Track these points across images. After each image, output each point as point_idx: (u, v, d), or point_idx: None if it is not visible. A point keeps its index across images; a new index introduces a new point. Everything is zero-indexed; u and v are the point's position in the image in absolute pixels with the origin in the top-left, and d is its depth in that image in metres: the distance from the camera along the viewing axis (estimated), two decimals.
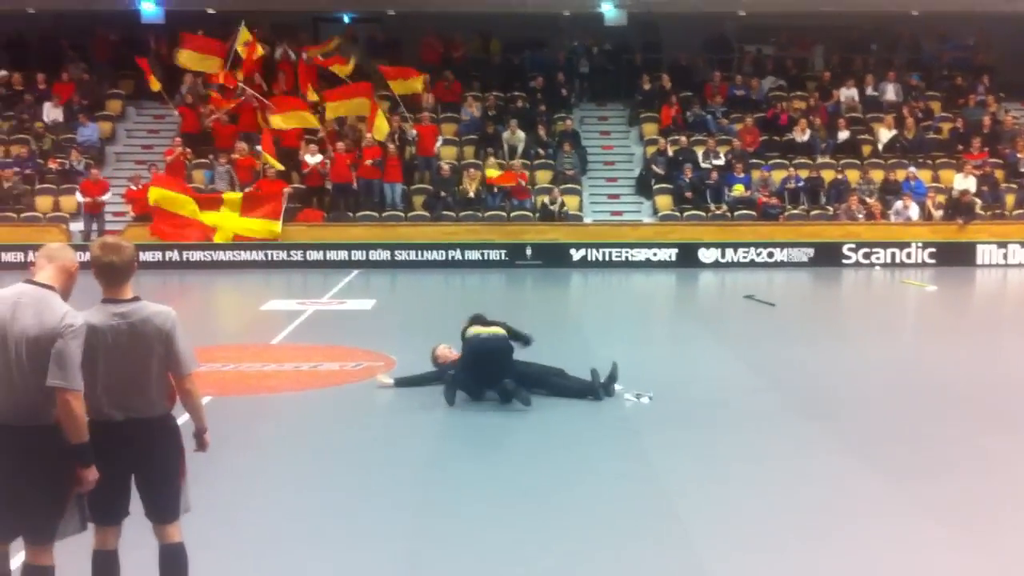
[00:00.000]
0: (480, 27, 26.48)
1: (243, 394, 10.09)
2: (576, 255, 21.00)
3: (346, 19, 27.26)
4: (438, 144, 23.28)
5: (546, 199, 21.97)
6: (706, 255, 21.12)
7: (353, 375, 10.94)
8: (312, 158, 22.02)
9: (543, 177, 23.19)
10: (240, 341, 13.20)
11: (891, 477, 7.47)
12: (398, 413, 9.45)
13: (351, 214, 21.86)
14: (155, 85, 22.57)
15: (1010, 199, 22.41)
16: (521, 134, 23.64)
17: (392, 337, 13.04)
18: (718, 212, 22.09)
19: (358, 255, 20.75)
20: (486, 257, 20.93)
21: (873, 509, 6.79)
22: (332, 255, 20.77)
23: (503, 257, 20.91)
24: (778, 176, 22.82)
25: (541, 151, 23.70)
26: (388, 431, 8.86)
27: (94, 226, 21.04)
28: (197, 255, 20.68)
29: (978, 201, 21.98)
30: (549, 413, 9.27)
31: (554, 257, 20.87)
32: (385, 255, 20.83)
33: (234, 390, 10.15)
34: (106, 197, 21.24)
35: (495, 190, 22.23)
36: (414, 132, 22.95)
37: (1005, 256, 21.10)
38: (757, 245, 21.11)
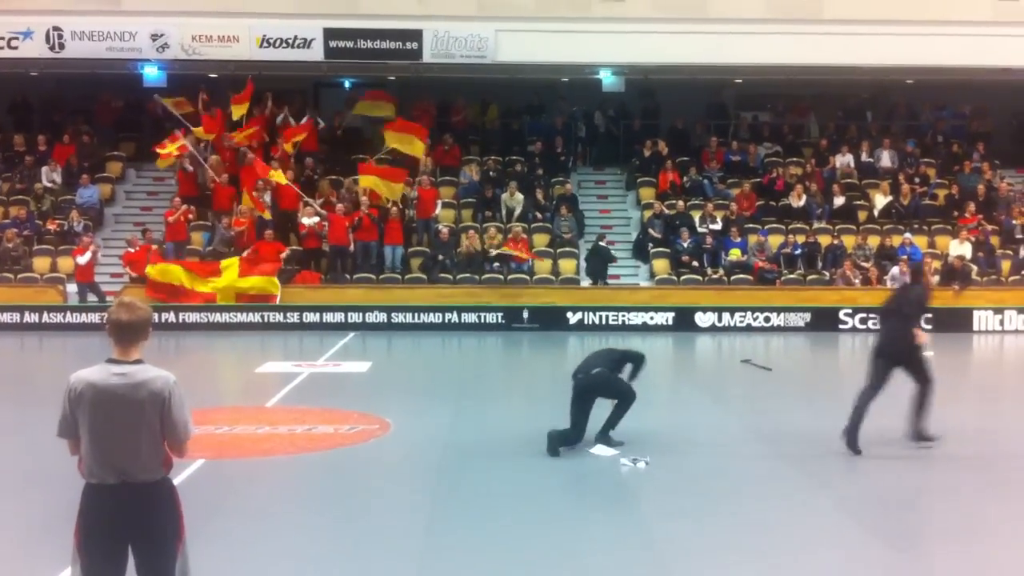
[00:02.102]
0: (479, 93, 26.78)
1: (237, 457, 10.04)
2: (573, 318, 20.98)
3: (347, 84, 27.56)
4: (437, 207, 23.43)
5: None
6: (703, 319, 21.11)
7: (347, 438, 10.89)
8: (309, 220, 22.14)
9: (540, 240, 23.28)
10: (235, 403, 13.16)
11: (895, 543, 7.42)
12: (392, 477, 9.40)
13: (348, 276, 21.90)
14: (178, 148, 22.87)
15: (1006, 265, 22.49)
16: (519, 197, 23.79)
17: (388, 400, 13.03)
18: (715, 276, 22.14)
19: (355, 317, 20.70)
20: (483, 320, 20.91)
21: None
22: (329, 317, 20.73)
23: (500, 320, 20.89)
24: (775, 241, 22.91)
25: (539, 214, 23.83)
26: (382, 495, 8.79)
27: (90, 296, 20.89)
28: (194, 317, 20.63)
29: (974, 267, 22.05)
30: (543, 478, 9.22)
31: (551, 320, 20.85)
32: (382, 317, 20.79)
33: (228, 453, 10.10)
34: (87, 259, 20.76)
35: (494, 257, 22.23)
36: (415, 194, 23.15)
37: (1001, 322, 21.11)
38: (754, 310, 21.11)
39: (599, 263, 22.30)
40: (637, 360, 10.71)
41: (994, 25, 23.36)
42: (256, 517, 8.15)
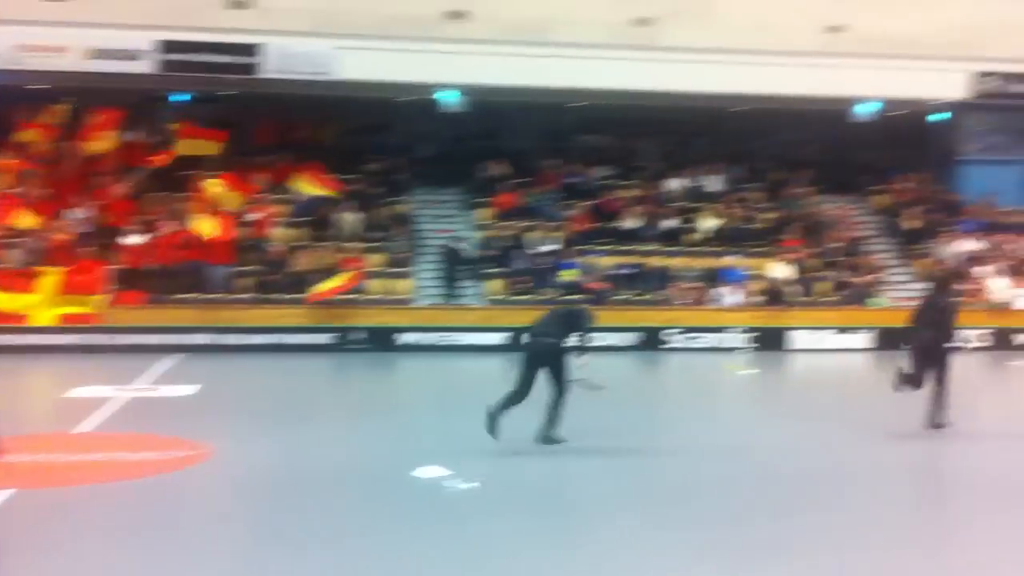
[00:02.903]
0: (319, 110, 26.45)
1: (48, 487, 9.53)
2: (406, 339, 20.91)
3: (181, 99, 26.75)
4: (270, 225, 23.00)
5: None
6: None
7: (166, 465, 10.50)
8: (133, 238, 21.39)
9: (376, 260, 23.12)
10: (50, 429, 12.54)
11: (725, 556, 7.62)
12: (212, 505, 9.12)
13: (174, 296, 21.22)
14: None
15: (823, 287, 23.52)
16: (356, 216, 23.57)
17: (212, 425, 12.63)
18: (549, 297, 22.42)
19: (179, 339, 20.13)
20: (314, 341, 20.62)
21: None
22: (152, 339, 20.08)
23: (332, 341, 20.63)
24: (607, 262, 23.39)
25: (375, 234, 23.65)
26: (201, 524, 8.50)
27: None
28: (4, 339, 19.60)
29: (794, 288, 22.98)
30: (370, 503, 9.10)
31: (383, 341, 20.73)
32: (208, 339, 20.28)
33: (38, 483, 9.59)
34: None
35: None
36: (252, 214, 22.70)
37: (818, 341, 22.07)
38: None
39: (452, 263, 22.38)
40: (583, 321, 11.40)
41: (821, 56, 24.51)
42: (69, 548, 7.70)
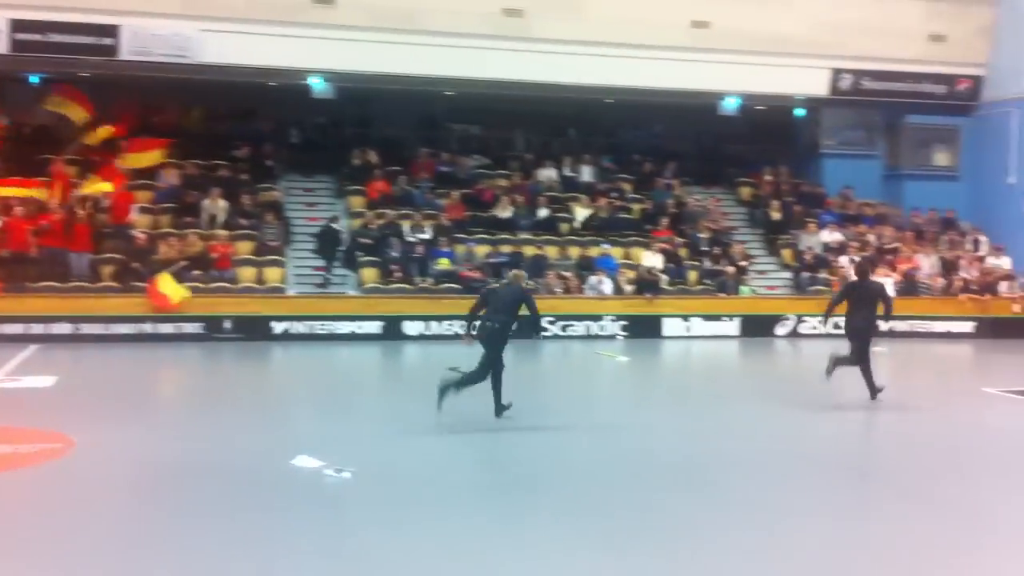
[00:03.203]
0: (183, 94, 25.61)
1: None
2: (278, 328, 20.46)
3: (34, 80, 25.52)
4: (133, 212, 22.17)
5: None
6: (411, 328, 21.18)
7: (25, 459, 9.98)
8: None
9: (245, 248, 22.53)
10: None
11: (596, 541, 7.62)
12: (74, 500, 8.68)
13: (30, 284, 20.23)
14: None
15: (693, 275, 23.99)
16: (223, 203, 22.94)
17: (74, 416, 12.08)
18: (423, 285, 22.24)
19: (37, 328, 19.22)
20: (181, 330, 19.98)
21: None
22: (8, 328, 19.11)
23: (200, 330, 20.03)
24: (481, 251, 23.35)
25: (244, 221, 23.05)
26: (63, 519, 8.08)
27: None
28: None
29: (664, 277, 23.38)
30: (241, 494, 8.82)
31: (255, 330, 20.23)
32: (68, 328, 19.41)
33: None
34: None
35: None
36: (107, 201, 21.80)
37: (688, 328, 22.52)
38: (460, 318, 21.25)
39: (329, 245, 22.00)
40: (532, 315, 12.49)
41: (687, 50, 24.93)
42: None
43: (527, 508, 8.68)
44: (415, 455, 10.57)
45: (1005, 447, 11.94)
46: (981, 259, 25.46)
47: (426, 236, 23.27)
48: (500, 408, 12.44)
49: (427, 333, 21.18)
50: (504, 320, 12.33)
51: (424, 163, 25.87)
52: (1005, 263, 25.11)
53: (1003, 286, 24.29)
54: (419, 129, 27.65)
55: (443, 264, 22.63)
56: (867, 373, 14.00)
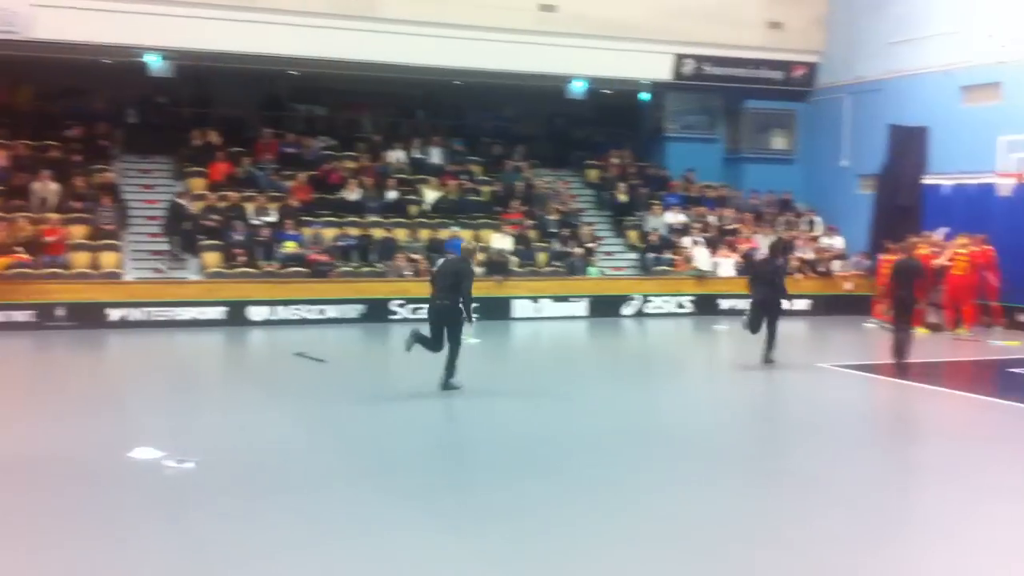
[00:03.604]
0: (11, 72, 24.23)
1: None
2: (114, 315, 19.64)
3: None
4: None
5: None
6: (256, 313, 20.67)
7: None
8: None
9: (79, 232, 21.53)
10: None
11: (444, 523, 7.63)
12: None
13: None
14: None
15: (542, 257, 24.16)
16: (54, 186, 21.86)
17: None
18: (269, 269, 21.71)
19: None
20: (11, 318, 18.96)
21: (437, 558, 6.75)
22: None
23: (31, 318, 19.05)
24: (329, 234, 22.96)
25: (77, 204, 22.02)
26: None
27: None
28: None
29: (514, 259, 23.47)
30: (80, 489, 8.40)
31: (89, 318, 19.37)
32: None
33: None
34: None
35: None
36: None
37: (538, 310, 22.68)
38: (308, 302, 21.03)
39: (175, 222, 21.26)
40: (466, 298, 12.79)
41: (535, 34, 25.04)
42: None
43: (376, 493, 8.53)
44: (259, 443, 10.31)
45: (837, 418, 12.42)
46: (816, 239, 26.47)
47: (271, 219, 22.72)
48: (448, 385, 13.13)
49: (273, 318, 20.71)
50: (453, 298, 12.87)
51: (268, 144, 25.23)
52: (838, 243, 26.17)
53: (836, 265, 25.31)
54: (263, 109, 26.94)
55: (289, 247, 22.14)
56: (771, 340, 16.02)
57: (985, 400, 14.13)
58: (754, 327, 16.03)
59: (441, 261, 14.43)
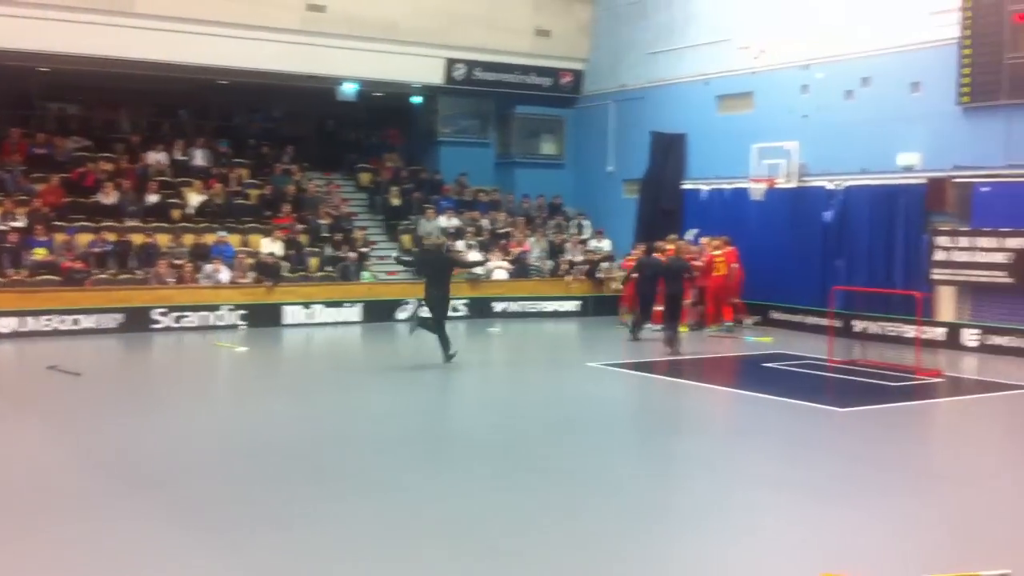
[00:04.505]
0: None
1: None
2: None
3: None
4: None
5: None
6: (3, 324, 19.18)
7: None
8: None
9: None
10: None
11: (223, 539, 7.25)
12: None
13: None
14: None
15: (314, 262, 23.65)
16: None
17: None
18: (17, 278, 20.21)
19: None
20: None
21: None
22: None
23: None
24: (84, 239, 21.64)
25: None
26: None
27: None
28: None
29: (285, 264, 22.87)
30: None
31: None
32: None
33: None
34: None
35: None
36: None
37: (310, 315, 22.17)
38: (61, 312, 19.72)
39: None
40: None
41: (302, 34, 24.54)
42: None
43: (137, 511, 8.03)
44: (12, 463, 9.53)
45: (603, 415, 12.72)
46: (584, 242, 27.17)
47: (19, 224, 21.18)
48: (448, 356, 16.13)
49: (22, 330, 19.29)
50: (447, 288, 16.46)
51: (16, 144, 23.55)
52: (606, 245, 26.94)
53: (604, 267, 26.05)
54: (10, 108, 25.12)
55: (40, 254, 20.72)
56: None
57: (743, 394, 14.84)
58: (646, 316, 19.77)
59: (425, 258, 18.74)
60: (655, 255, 20.39)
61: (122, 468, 9.49)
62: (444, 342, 16.20)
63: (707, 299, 21.95)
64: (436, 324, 16.21)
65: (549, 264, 26.02)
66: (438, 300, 16.31)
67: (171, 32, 22.95)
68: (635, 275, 20.64)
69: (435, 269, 16.67)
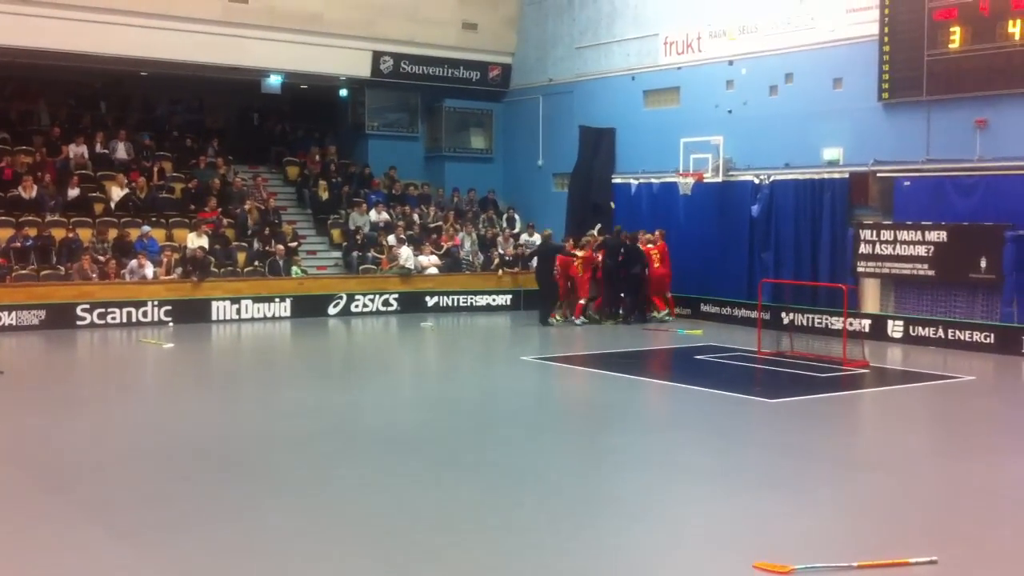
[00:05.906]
0: None
1: None
2: None
3: None
4: None
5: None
6: None
7: None
8: None
9: None
10: None
11: (137, 539, 7.11)
12: None
13: None
14: None
15: (242, 256, 23.31)
16: None
17: None
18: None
19: None
20: None
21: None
22: None
23: None
24: (4, 234, 21.05)
25: None
26: None
27: None
28: None
29: (212, 259, 22.49)
30: None
31: None
32: None
33: None
34: None
35: None
36: None
37: (238, 311, 21.85)
38: None
39: None
40: None
41: (224, 25, 24.09)
42: None
43: (52, 510, 7.83)
44: None
45: (538, 409, 12.75)
46: (516, 236, 27.16)
47: None
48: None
49: None
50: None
51: None
52: (536, 239, 26.94)
53: (534, 261, 26.03)
54: None
55: None
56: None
57: (675, 386, 14.99)
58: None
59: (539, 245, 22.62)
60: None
61: (36, 468, 9.27)
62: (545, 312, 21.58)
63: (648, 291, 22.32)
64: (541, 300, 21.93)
65: (481, 258, 25.97)
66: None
67: (89, 22, 22.37)
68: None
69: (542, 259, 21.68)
